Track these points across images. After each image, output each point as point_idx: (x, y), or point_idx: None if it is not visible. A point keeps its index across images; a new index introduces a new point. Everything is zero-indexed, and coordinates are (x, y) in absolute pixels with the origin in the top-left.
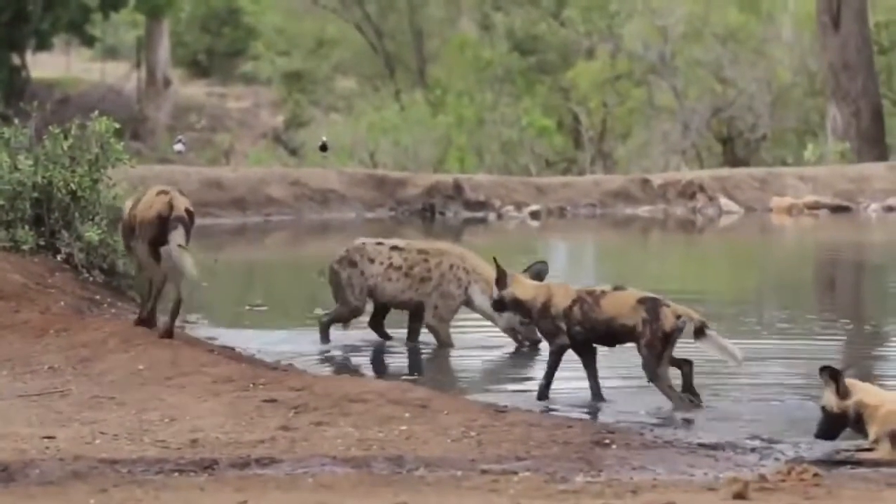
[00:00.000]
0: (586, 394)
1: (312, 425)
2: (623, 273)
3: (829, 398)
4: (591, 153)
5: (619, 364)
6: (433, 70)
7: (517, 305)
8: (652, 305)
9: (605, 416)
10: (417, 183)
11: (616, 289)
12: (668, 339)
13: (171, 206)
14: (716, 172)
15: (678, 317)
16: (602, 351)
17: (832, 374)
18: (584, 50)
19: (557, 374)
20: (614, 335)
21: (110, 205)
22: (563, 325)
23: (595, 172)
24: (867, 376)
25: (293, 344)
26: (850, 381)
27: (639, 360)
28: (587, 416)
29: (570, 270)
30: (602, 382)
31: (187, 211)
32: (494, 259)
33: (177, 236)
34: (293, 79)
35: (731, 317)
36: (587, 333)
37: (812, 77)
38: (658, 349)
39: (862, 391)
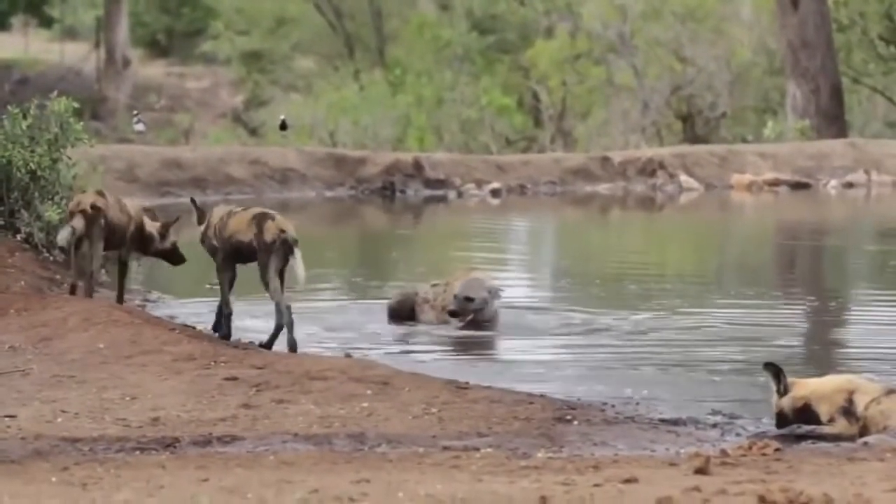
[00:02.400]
0: (546, 371)
1: (274, 403)
2: (584, 250)
3: (774, 398)
4: (551, 131)
5: (581, 343)
6: (392, 50)
7: (206, 239)
8: (260, 220)
9: (566, 393)
10: (377, 161)
11: (247, 209)
12: (269, 249)
13: (76, 203)
14: (676, 150)
15: (282, 231)
16: (560, 333)
17: (774, 373)
18: (543, 29)
19: (517, 350)
20: (240, 252)
21: (70, 184)
22: (217, 244)
23: (555, 150)
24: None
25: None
26: (789, 379)
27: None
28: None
29: (531, 248)
30: (562, 359)
31: (93, 206)
32: (192, 200)
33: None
34: (252, 58)
35: (695, 294)
36: (224, 250)
37: (771, 55)
38: (262, 259)
39: (795, 385)
